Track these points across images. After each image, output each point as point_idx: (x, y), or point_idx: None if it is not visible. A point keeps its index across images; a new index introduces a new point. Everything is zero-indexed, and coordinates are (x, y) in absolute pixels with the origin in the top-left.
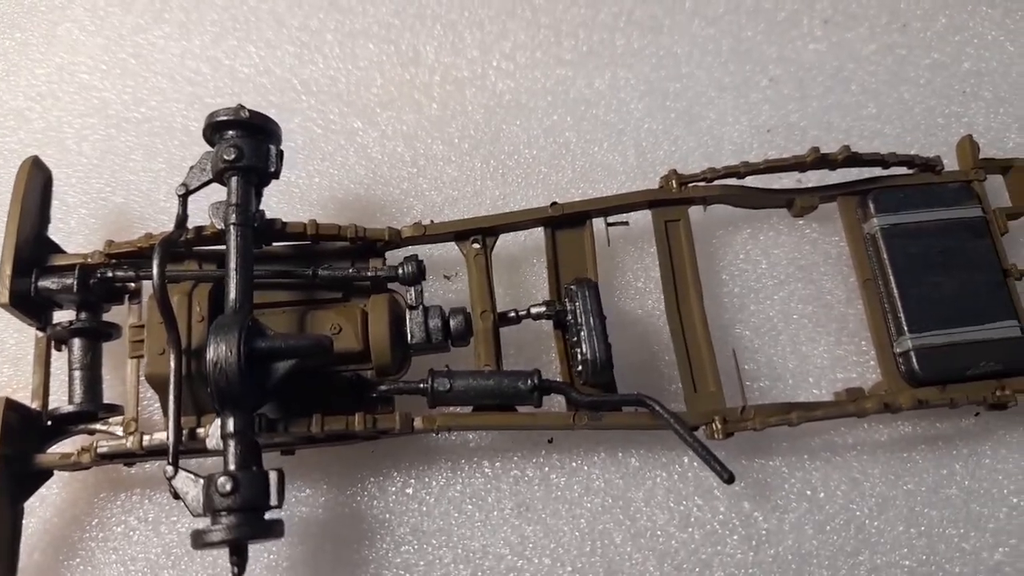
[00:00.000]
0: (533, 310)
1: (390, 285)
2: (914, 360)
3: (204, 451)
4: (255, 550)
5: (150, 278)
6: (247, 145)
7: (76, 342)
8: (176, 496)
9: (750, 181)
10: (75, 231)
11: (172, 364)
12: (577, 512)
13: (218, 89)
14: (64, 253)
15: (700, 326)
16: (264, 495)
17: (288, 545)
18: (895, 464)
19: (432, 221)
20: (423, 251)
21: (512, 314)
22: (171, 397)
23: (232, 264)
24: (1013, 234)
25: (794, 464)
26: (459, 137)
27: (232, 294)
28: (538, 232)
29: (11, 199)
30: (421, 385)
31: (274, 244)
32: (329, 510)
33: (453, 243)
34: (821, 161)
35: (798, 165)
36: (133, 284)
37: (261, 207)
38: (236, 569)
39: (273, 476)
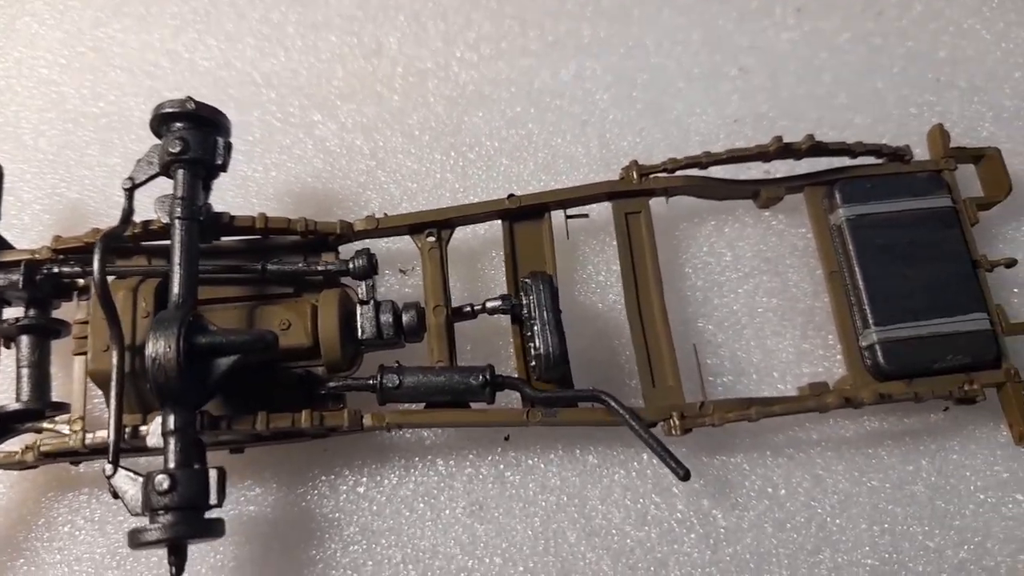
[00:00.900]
0: (488, 304)
1: (343, 280)
2: (879, 354)
3: (148, 449)
4: (201, 549)
5: None
6: (193, 137)
7: (24, 339)
8: (115, 495)
9: (716, 172)
10: (29, 227)
11: (114, 361)
12: (531, 511)
13: (177, 83)
14: (13, 249)
15: (660, 320)
16: (203, 494)
17: (235, 544)
18: (860, 460)
19: (386, 214)
20: (380, 245)
21: (467, 309)
22: (112, 394)
23: (176, 259)
24: (985, 224)
25: (756, 461)
26: (419, 129)
27: (176, 289)
28: (499, 225)
29: None
30: (371, 382)
31: (226, 239)
32: (278, 509)
33: (411, 237)
34: (785, 151)
35: (761, 155)
36: (82, 280)
37: (211, 201)
38: (174, 569)
39: (213, 474)
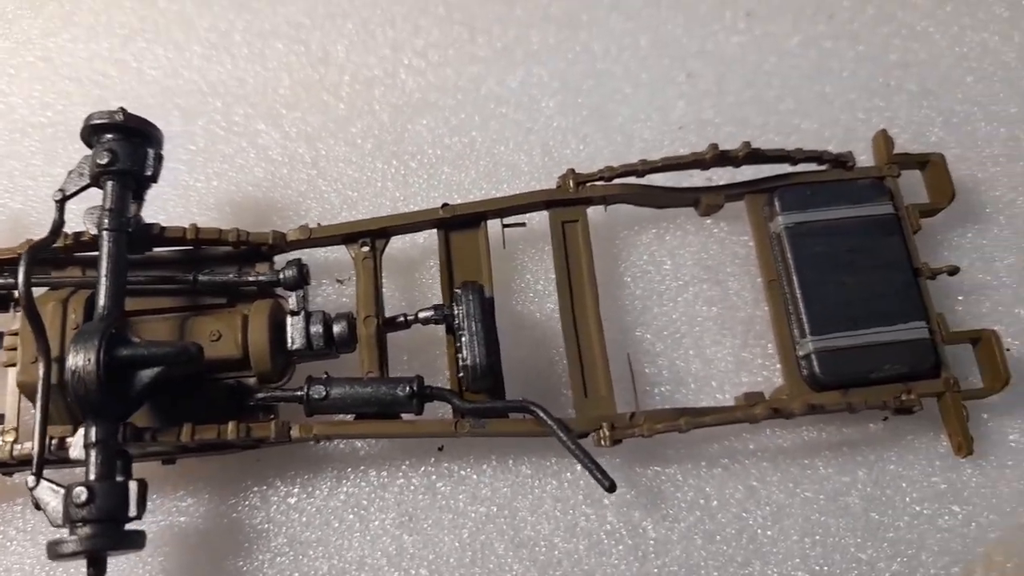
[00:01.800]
0: (421, 315)
1: (279, 290)
2: (815, 363)
3: (72, 461)
4: (130, 560)
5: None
6: (123, 149)
7: None
8: (37, 507)
9: (659, 179)
10: None
11: (41, 372)
12: (460, 522)
13: (124, 92)
14: None
15: (594, 330)
16: (122, 506)
17: (164, 556)
18: (795, 471)
19: (319, 224)
20: (319, 254)
21: (401, 319)
22: (38, 406)
23: (103, 270)
24: (930, 231)
25: (689, 471)
26: (362, 137)
27: (101, 301)
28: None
29: None
30: (298, 393)
31: (163, 249)
32: (209, 520)
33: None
34: (721, 158)
35: (697, 163)
36: (16, 292)
37: (150, 211)
38: None
39: (133, 486)
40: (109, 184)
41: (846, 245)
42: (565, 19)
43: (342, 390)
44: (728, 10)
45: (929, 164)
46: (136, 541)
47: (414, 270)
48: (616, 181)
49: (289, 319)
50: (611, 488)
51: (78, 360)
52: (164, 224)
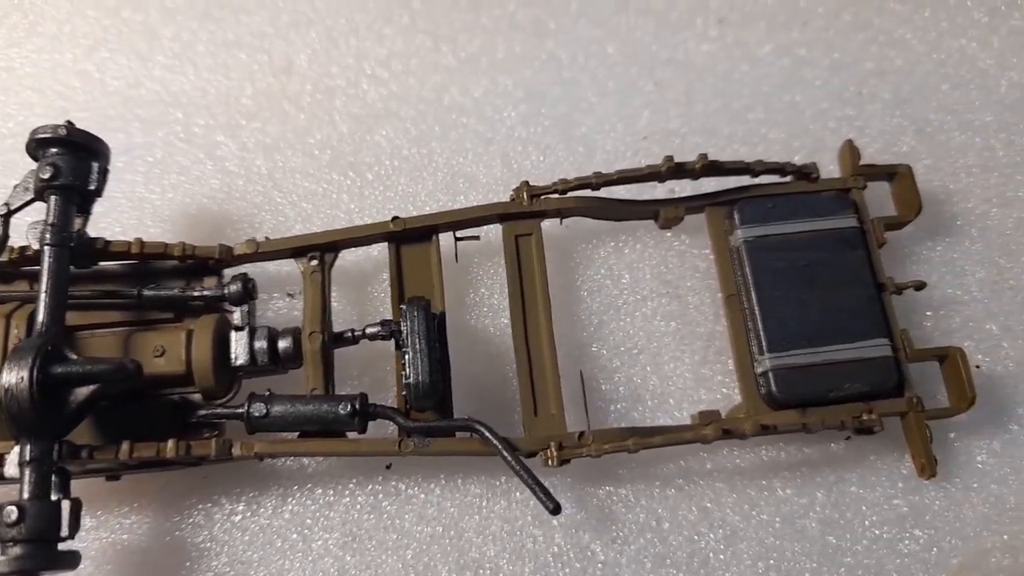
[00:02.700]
0: (369, 330)
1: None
2: (772, 381)
3: (5, 479)
4: None
5: None
6: (66, 163)
7: None
8: None
9: (621, 192)
10: None
11: None
12: (405, 542)
13: (87, 103)
14: None
15: (547, 346)
16: (54, 526)
17: (105, 574)
18: (752, 492)
19: (267, 238)
20: (272, 268)
21: (349, 334)
22: None
23: (43, 285)
24: (899, 244)
25: (642, 491)
26: (320, 148)
27: (40, 316)
28: None
29: None
30: (239, 410)
31: (114, 263)
32: (152, 538)
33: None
34: (678, 170)
35: (653, 175)
36: None
37: (104, 223)
38: None
39: (66, 505)
40: (52, 198)
41: (807, 259)
42: (532, 27)
43: (283, 408)
44: (699, 16)
45: (897, 176)
46: (69, 561)
47: (367, 284)
48: (571, 194)
49: (233, 335)
50: (555, 510)
51: (11, 378)
52: (118, 237)
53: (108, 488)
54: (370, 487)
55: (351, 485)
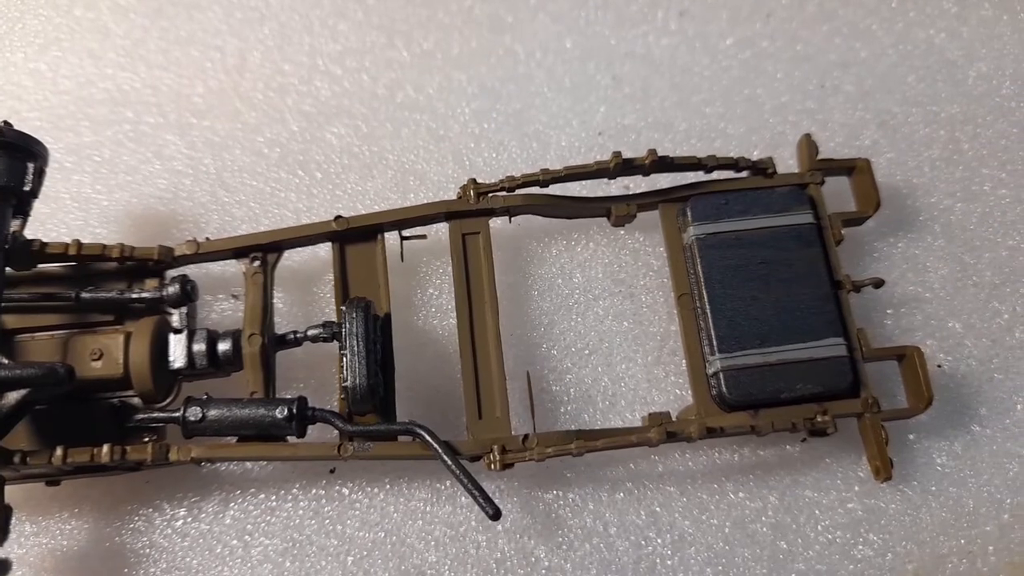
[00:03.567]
0: (311, 332)
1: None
2: (722, 382)
3: None
4: None
5: None
6: (1, 164)
7: None
8: None
9: (576, 188)
10: None
11: None
12: (346, 548)
13: (38, 102)
14: None
15: (493, 348)
16: None
17: None
18: (704, 496)
19: (208, 238)
20: (216, 269)
21: (291, 336)
22: None
23: None
24: (859, 240)
25: (590, 495)
26: (269, 147)
27: None
28: None
29: None
30: (175, 414)
31: (56, 265)
32: (91, 544)
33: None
34: (626, 167)
35: (601, 172)
36: None
37: (49, 224)
38: None
39: None
40: None
41: (761, 257)
42: (489, 22)
43: (219, 411)
44: (660, 10)
45: (855, 170)
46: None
47: (314, 284)
48: (519, 191)
49: (172, 337)
50: (495, 515)
51: None
52: (63, 239)
53: (50, 494)
54: (314, 492)
55: (295, 490)
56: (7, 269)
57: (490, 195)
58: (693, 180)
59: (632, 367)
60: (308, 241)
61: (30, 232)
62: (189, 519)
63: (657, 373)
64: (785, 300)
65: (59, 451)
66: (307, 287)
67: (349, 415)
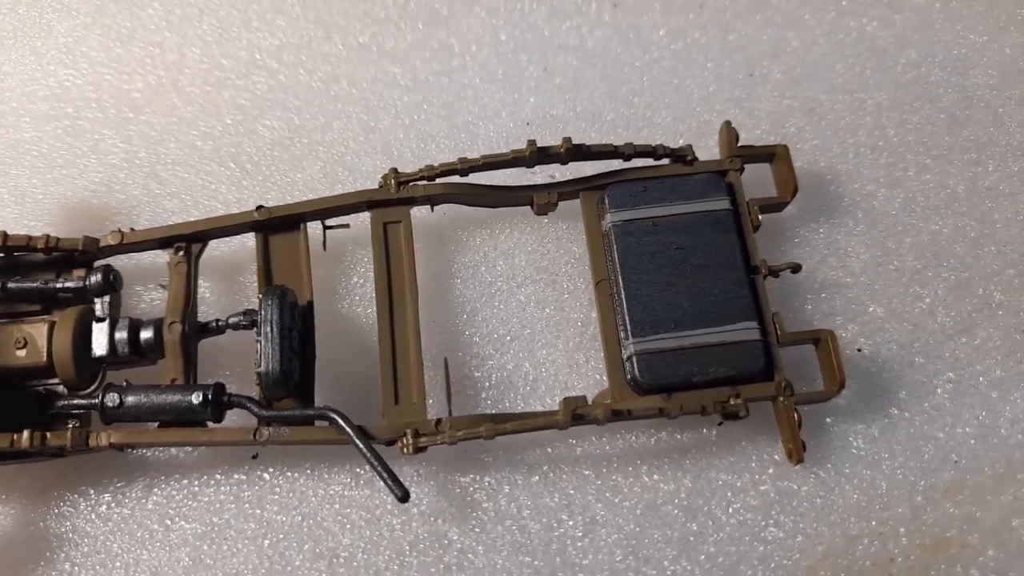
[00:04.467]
0: (231, 319)
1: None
2: (636, 366)
3: None
4: None
5: None
6: None
7: None
8: None
9: (501, 177)
10: None
11: None
12: (263, 531)
13: None
14: None
15: (411, 334)
16: None
17: None
18: (618, 479)
19: (132, 229)
20: (146, 259)
21: (214, 324)
22: None
23: None
24: (782, 226)
25: (506, 478)
26: (202, 140)
27: None
28: None
29: None
30: (94, 400)
31: None
32: (16, 530)
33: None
34: (542, 155)
35: (517, 160)
36: None
37: None
38: None
39: None
40: None
41: (677, 243)
42: (424, 16)
43: (136, 397)
44: (594, 1)
45: (775, 156)
46: None
47: (240, 274)
48: (440, 180)
49: (96, 326)
50: (403, 498)
51: None
52: None
53: None
54: (236, 477)
55: (217, 475)
56: None
57: (411, 184)
58: (618, 168)
59: (553, 353)
60: (231, 231)
61: None
62: (113, 504)
63: (578, 358)
64: (700, 285)
65: None
66: (234, 277)
67: (268, 401)
